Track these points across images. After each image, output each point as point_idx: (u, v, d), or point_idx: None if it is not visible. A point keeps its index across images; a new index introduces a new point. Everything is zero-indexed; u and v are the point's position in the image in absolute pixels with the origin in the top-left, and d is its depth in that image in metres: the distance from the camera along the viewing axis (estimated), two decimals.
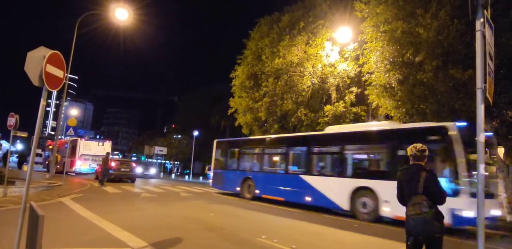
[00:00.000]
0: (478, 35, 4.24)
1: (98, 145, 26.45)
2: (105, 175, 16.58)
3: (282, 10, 17.28)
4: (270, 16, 17.49)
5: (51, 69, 4.31)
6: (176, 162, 50.50)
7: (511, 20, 8.20)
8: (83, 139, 26.64)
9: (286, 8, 16.96)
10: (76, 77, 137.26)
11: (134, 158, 59.23)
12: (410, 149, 3.53)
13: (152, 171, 32.22)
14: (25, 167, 22.26)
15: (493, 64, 4.45)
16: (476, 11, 4.20)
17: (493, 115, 9.46)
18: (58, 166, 24.32)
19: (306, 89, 14.83)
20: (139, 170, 25.91)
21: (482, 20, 4.20)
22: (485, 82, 4.09)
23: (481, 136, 4.15)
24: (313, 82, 14.84)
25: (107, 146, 26.83)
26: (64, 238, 5.61)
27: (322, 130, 14.63)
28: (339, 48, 15.03)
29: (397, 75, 10.24)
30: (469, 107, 8.63)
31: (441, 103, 9.51)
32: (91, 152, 25.51)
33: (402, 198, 3.45)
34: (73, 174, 24.65)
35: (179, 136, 47.28)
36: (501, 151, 10.40)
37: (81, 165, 25.01)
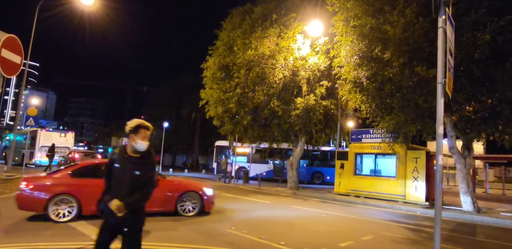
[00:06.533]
0: (440, 31, 4.43)
1: (60, 136, 25.46)
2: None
3: (254, 1, 17.15)
4: (242, 6, 17.29)
5: (7, 54, 4.04)
6: None
7: (472, 20, 8.60)
8: (43, 130, 25.51)
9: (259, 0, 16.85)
10: (37, 64, 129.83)
11: (100, 150, 57.28)
12: (143, 124, 3.05)
13: None
14: None
15: (453, 60, 4.67)
16: (439, 9, 4.38)
17: (452, 110, 9.97)
18: (16, 158, 23.15)
19: (278, 82, 14.89)
20: None
21: (444, 17, 4.38)
22: (445, 77, 4.30)
23: (440, 129, 4.37)
24: (285, 74, 14.92)
25: (69, 137, 25.91)
26: (24, 233, 5.37)
27: (293, 123, 14.85)
28: (310, 42, 15.16)
29: (365, 72, 10.50)
30: (431, 103, 9.03)
31: (406, 98, 9.89)
32: None
33: None
34: (33, 166, 23.58)
35: None
36: (459, 144, 11.02)
37: (41, 157, 24.04)
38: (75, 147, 28.27)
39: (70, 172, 7.00)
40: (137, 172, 2.94)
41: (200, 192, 8.03)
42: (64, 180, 6.84)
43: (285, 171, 22.75)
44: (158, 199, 7.56)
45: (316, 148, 19.16)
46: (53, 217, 6.48)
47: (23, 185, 6.55)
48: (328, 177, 22.25)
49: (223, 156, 23.10)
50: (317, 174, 22.78)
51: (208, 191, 8.20)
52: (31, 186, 6.62)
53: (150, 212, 7.42)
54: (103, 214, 2.96)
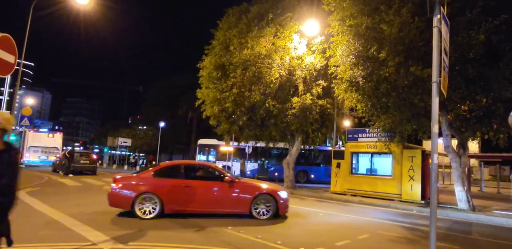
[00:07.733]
0: (435, 31, 4.46)
1: (48, 136, 25.93)
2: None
3: (251, 0, 17.11)
4: (238, 6, 17.25)
5: (1, 53, 4.02)
6: (141, 154, 49.22)
7: (467, 19, 8.65)
8: (31, 131, 25.72)
9: None
10: (32, 64, 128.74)
11: (96, 150, 57.05)
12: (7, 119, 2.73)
13: None
14: None
15: (448, 59, 4.70)
16: (434, 8, 4.40)
17: (447, 109, 10.02)
18: None
19: (274, 81, 14.88)
20: None
21: (439, 16, 4.41)
22: (440, 76, 4.32)
23: (435, 127, 4.39)
24: (281, 74, 14.92)
25: (57, 137, 26.35)
26: (17, 234, 5.32)
27: (290, 122, 14.86)
28: (306, 41, 15.17)
29: (361, 71, 10.53)
30: (427, 102, 9.08)
31: (401, 98, 9.93)
32: (41, 144, 25.09)
33: None
34: (23, 166, 23.65)
35: (145, 127, 46.03)
36: (454, 143, 11.08)
37: (29, 157, 24.39)
38: (70, 147, 28.63)
39: (153, 173, 7.50)
40: None
41: (275, 195, 7.79)
42: (148, 180, 7.34)
43: (269, 169, 23.00)
44: (233, 201, 7.66)
45: (313, 147, 19.17)
46: (139, 213, 7.02)
47: (113, 184, 7.23)
48: (312, 176, 22.24)
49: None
50: (301, 173, 22.56)
51: (283, 194, 7.95)
52: (120, 185, 7.25)
53: (225, 214, 7.56)
54: None
